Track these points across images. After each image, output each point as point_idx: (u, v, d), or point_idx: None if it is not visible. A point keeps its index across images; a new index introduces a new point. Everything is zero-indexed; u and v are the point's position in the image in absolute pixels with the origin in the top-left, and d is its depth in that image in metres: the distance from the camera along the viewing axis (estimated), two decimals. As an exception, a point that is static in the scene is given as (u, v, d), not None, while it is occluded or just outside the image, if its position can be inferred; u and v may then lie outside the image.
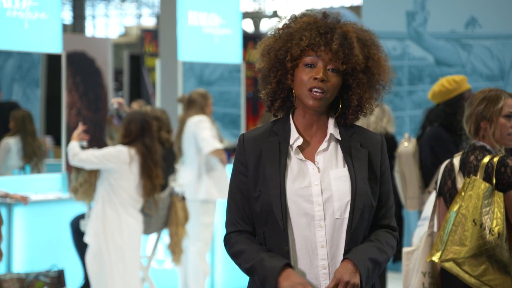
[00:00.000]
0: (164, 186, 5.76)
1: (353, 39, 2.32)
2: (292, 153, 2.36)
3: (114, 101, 5.91)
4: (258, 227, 2.36)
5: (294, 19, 2.39)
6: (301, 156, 2.35)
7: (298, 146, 2.36)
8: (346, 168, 2.33)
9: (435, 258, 3.23)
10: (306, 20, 2.36)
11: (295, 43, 2.33)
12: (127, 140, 5.35)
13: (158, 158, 5.41)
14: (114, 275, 5.34)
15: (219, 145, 6.17)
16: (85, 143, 5.60)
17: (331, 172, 2.33)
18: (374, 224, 2.38)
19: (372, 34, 2.40)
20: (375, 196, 2.35)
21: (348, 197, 2.30)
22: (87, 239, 5.38)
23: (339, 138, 2.37)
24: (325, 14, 2.38)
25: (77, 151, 5.27)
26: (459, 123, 5.01)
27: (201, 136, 6.11)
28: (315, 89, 2.30)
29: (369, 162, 2.36)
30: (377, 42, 2.39)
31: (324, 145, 2.36)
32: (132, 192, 5.35)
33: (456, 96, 5.06)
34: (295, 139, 2.36)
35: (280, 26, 2.40)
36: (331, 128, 2.37)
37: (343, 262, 2.28)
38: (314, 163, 2.34)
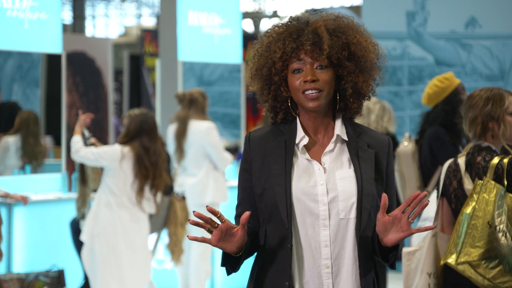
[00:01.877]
0: (166, 187, 5.75)
1: (322, 33, 2.32)
2: (298, 152, 2.36)
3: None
4: (261, 224, 2.37)
5: (267, 33, 2.41)
6: (307, 155, 2.36)
7: (305, 146, 2.37)
8: (352, 169, 2.33)
9: (451, 261, 3.20)
10: (278, 30, 2.38)
11: (273, 56, 2.35)
12: (125, 139, 5.36)
13: (158, 159, 5.38)
14: (106, 275, 5.34)
15: (230, 158, 6.38)
16: (86, 133, 5.60)
17: (336, 172, 2.33)
18: None
19: (346, 19, 2.39)
20: (380, 197, 2.35)
21: (354, 198, 2.30)
22: (82, 237, 5.40)
23: (346, 139, 2.37)
24: (292, 18, 2.39)
25: (78, 148, 5.30)
26: (459, 119, 5.03)
27: (217, 156, 6.26)
28: (309, 91, 2.31)
29: (376, 163, 2.36)
30: (353, 25, 2.38)
31: (330, 146, 2.36)
32: (127, 191, 5.33)
33: (451, 92, 5.08)
34: (301, 138, 2.36)
35: (258, 44, 2.41)
36: (338, 129, 2.37)
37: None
38: (321, 164, 2.35)
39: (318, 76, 2.32)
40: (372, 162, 2.35)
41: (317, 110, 2.35)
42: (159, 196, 5.51)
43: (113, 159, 5.27)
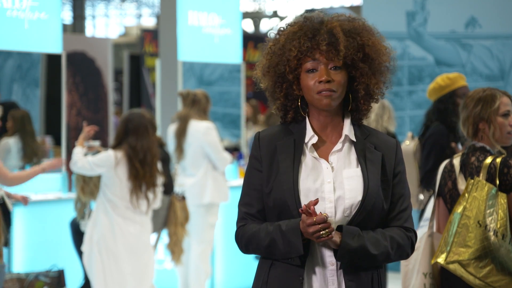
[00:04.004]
0: (166, 186, 5.74)
1: (338, 34, 2.33)
2: (306, 151, 2.39)
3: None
4: (269, 222, 2.38)
5: (281, 31, 2.41)
6: (315, 154, 2.38)
7: (313, 145, 2.39)
8: (359, 169, 2.36)
9: (441, 260, 3.22)
10: (292, 29, 2.38)
11: (288, 55, 2.36)
12: (115, 143, 5.33)
13: (146, 155, 5.27)
14: (107, 280, 5.32)
15: (229, 158, 6.37)
16: (97, 143, 5.59)
17: (344, 171, 2.36)
18: (386, 226, 2.39)
19: (360, 20, 2.40)
20: (387, 199, 2.37)
21: (360, 196, 2.33)
22: (83, 247, 5.38)
23: (354, 140, 2.39)
24: (307, 17, 2.40)
25: (76, 159, 5.25)
26: (452, 119, 5.05)
27: (216, 156, 6.26)
28: (324, 91, 2.33)
29: (383, 165, 2.38)
30: (367, 26, 2.39)
31: (338, 145, 2.38)
32: (124, 195, 5.29)
33: (448, 92, 5.09)
34: (310, 137, 2.39)
35: (272, 42, 2.42)
36: (347, 129, 2.39)
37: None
38: (328, 162, 2.36)
39: (333, 77, 2.33)
40: (379, 164, 2.37)
41: (328, 110, 2.37)
42: (157, 190, 5.42)
43: (109, 166, 5.22)
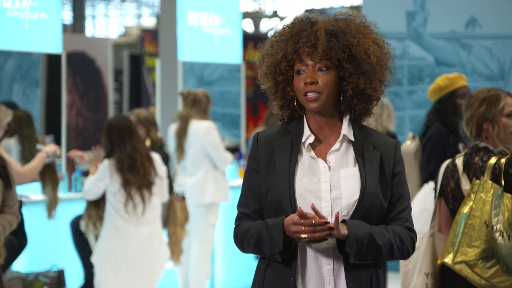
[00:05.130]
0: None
1: (321, 35, 2.33)
2: (304, 151, 2.39)
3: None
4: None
5: (275, 34, 2.44)
6: (312, 153, 2.38)
7: (311, 145, 2.39)
8: (356, 168, 2.36)
9: (448, 260, 3.21)
10: (283, 31, 2.41)
11: (275, 57, 2.39)
12: (105, 155, 5.31)
13: (135, 160, 5.20)
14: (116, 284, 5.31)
15: (230, 158, 6.38)
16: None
17: (341, 170, 2.36)
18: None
19: (355, 19, 2.39)
20: (386, 198, 2.37)
21: (356, 196, 2.33)
22: (93, 258, 5.36)
23: (352, 139, 2.39)
24: (297, 19, 2.42)
25: (85, 186, 5.25)
26: (452, 119, 5.06)
27: (217, 155, 6.26)
28: (309, 93, 2.34)
29: (381, 165, 2.38)
30: (359, 26, 2.38)
31: (336, 145, 2.39)
32: (125, 201, 5.27)
33: (448, 93, 5.10)
34: (307, 136, 2.39)
35: (266, 44, 2.45)
36: (345, 129, 2.40)
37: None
38: (326, 162, 2.37)
39: (319, 78, 2.34)
40: (377, 163, 2.37)
41: (320, 111, 2.38)
42: (161, 182, 5.38)
43: (108, 176, 5.22)
